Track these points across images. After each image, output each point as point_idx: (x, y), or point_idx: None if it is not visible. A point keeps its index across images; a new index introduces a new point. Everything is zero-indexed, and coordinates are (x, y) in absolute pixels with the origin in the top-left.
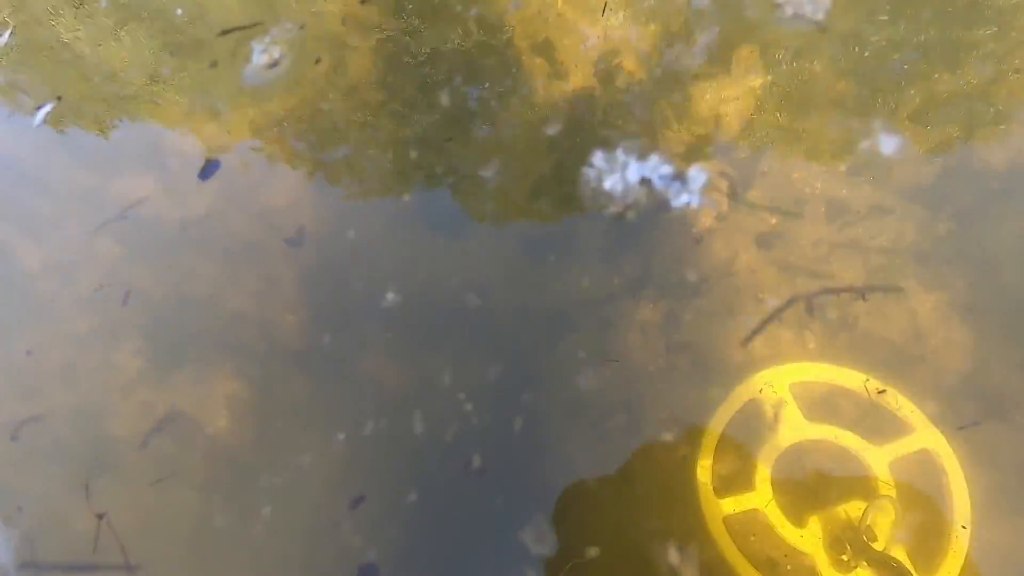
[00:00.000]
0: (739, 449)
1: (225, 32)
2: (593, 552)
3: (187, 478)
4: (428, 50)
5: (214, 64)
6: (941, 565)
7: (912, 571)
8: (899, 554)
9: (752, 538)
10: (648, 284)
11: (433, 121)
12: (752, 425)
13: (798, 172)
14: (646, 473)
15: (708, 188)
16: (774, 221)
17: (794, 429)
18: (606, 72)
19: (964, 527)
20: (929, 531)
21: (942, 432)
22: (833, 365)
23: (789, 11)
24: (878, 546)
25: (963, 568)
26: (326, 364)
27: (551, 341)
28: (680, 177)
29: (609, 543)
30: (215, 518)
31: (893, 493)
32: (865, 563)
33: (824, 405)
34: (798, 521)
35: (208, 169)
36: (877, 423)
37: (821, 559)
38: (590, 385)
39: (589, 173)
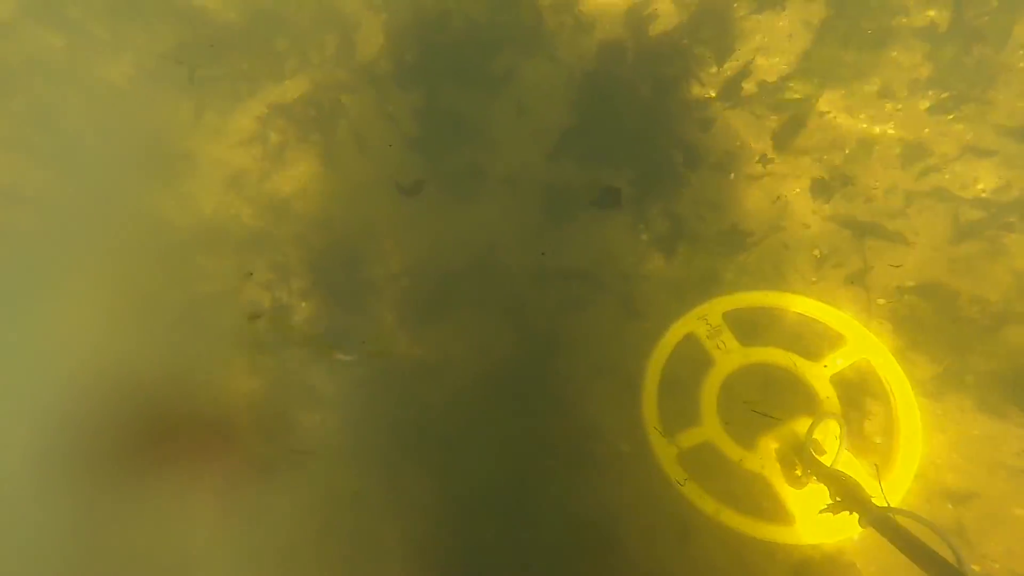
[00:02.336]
0: (682, 385)
1: None
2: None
3: None
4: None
5: None
6: (892, 469)
7: (859, 483)
8: (850, 464)
9: (708, 470)
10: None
11: None
12: (691, 358)
13: (864, 112)
14: (591, 432)
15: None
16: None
17: (733, 356)
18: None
19: (912, 432)
20: (876, 439)
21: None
22: (762, 291)
23: None
24: (826, 460)
25: (917, 473)
26: None
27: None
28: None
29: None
30: None
31: (837, 406)
32: (815, 478)
33: (758, 329)
34: (748, 445)
35: None
36: (813, 340)
37: (776, 478)
38: None
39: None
